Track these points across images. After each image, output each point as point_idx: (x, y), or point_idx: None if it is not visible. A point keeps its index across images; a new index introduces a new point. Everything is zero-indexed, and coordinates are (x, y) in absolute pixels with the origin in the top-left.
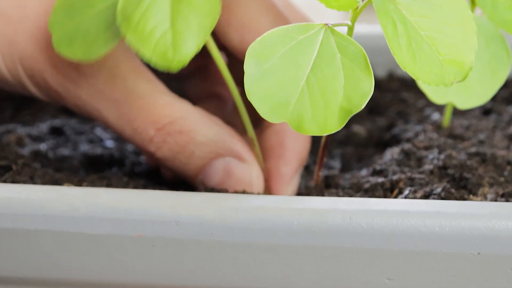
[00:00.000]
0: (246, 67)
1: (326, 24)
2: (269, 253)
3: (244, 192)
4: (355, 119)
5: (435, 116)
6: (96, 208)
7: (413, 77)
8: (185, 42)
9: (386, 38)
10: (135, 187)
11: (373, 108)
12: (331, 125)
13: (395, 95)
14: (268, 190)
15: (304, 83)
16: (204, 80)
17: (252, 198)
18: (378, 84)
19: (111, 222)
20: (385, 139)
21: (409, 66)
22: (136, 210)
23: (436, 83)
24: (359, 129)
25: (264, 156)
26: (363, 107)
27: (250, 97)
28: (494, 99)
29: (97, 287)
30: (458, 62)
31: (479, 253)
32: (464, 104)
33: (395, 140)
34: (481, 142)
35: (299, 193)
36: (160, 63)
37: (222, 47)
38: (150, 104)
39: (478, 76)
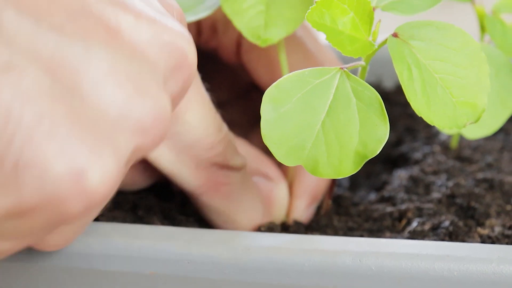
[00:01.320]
0: (263, 111)
1: (342, 68)
2: None
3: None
4: None
5: (443, 135)
6: (109, 245)
7: (428, 121)
8: (276, 27)
9: (401, 83)
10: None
11: None
12: (346, 169)
13: (404, 109)
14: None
15: (320, 128)
16: (245, 107)
17: (264, 238)
18: (387, 96)
19: (124, 259)
20: (394, 156)
21: (424, 111)
22: (149, 247)
23: (450, 126)
24: None
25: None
26: (378, 152)
27: (266, 141)
28: None
29: None
30: (471, 104)
31: None
32: (473, 134)
33: (403, 159)
34: (489, 166)
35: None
36: (249, 36)
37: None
38: None
39: (487, 105)
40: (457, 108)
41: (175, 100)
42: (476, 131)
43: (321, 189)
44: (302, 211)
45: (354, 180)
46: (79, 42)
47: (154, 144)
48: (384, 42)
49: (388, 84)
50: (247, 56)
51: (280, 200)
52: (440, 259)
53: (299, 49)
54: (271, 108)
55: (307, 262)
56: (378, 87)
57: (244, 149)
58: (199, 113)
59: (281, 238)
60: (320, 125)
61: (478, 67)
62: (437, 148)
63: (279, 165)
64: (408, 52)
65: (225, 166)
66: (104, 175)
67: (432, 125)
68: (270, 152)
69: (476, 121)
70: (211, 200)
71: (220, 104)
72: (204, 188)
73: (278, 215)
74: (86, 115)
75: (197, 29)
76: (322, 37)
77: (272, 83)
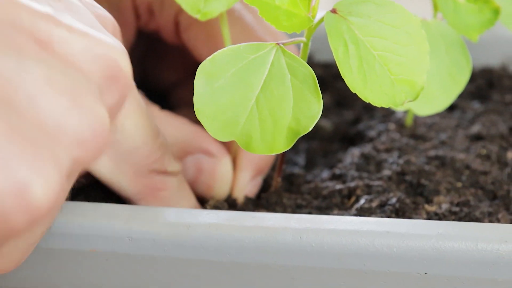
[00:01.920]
0: (196, 85)
1: (278, 44)
2: (221, 270)
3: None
4: (323, 112)
5: (400, 113)
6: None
7: (363, 98)
8: (216, 1)
9: (336, 59)
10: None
11: (340, 101)
12: (279, 145)
13: None
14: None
15: (254, 103)
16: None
17: (204, 215)
18: None
19: (65, 237)
20: (351, 135)
21: (359, 88)
22: (90, 225)
23: (387, 103)
24: (326, 123)
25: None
26: (310, 129)
27: (199, 116)
28: (459, 95)
29: None
30: (410, 82)
31: (426, 273)
32: (424, 111)
33: (360, 137)
34: (442, 143)
35: (259, 196)
36: (189, 9)
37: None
38: None
39: (438, 82)
40: (396, 86)
41: (113, 111)
42: (427, 108)
43: (265, 162)
44: (246, 184)
45: (311, 159)
46: (12, 56)
47: (94, 156)
48: (323, 18)
49: None
50: (186, 35)
51: (223, 176)
52: (380, 235)
53: (237, 23)
54: (205, 82)
55: (247, 239)
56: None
57: (185, 127)
58: (137, 121)
59: (222, 215)
60: (254, 101)
61: (418, 45)
62: (392, 126)
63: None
64: (346, 28)
65: (162, 172)
66: (46, 187)
67: (366, 101)
68: None
69: (415, 99)
70: (149, 205)
71: (172, 84)
72: (142, 195)
73: (223, 191)
74: (24, 129)
75: (135, 13)
76: None
77: None
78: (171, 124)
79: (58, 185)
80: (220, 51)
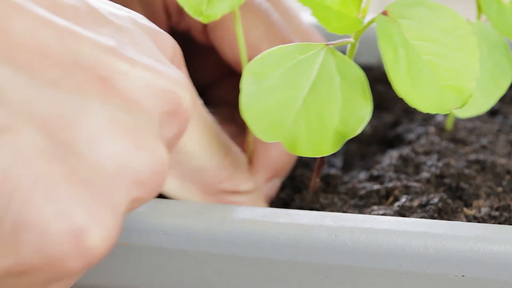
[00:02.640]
0: (243, 85)
1: (327, 44)
2: (253, 266)
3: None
4: None
5: (440, 117)
6: None
7: (410, 104)
8: (219, 1)
9: (385, 62)
10: None
11: (380, 103)
12: (326, 148)
13: None
14: None
15: (301, 104)
16: (232, 85)
17: (239, 210)
18: (387, 78)
19: None
20: (389, 138)
21: (407, 93)
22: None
23: (435, 110)
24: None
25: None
26: (359, 132)
27: (245, 116)
28: (502, 99)
29: None
30: (458, 89)
31: (463, 276)
32: (464, 113)
33: (399, 140)
34: (483, 148)
35: (297, 195)
36: (191, 12)
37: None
38: None
39: (479, 85)
40: (444, 92)
41: (171, 145)
42: (467, 110)
43: (283, 164)
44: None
45: (348, 161)
46: (74, 96)
47: (151, 195)
48: (374, 20)
49: None
50: (213, 34)
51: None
52: (416, 235)
53: (263, 22)
54: (252, 82)
55: (282, 236)
56: (379, 69)
57: None
58: (201, 142)
59: (256, 211)
60: (302, 102)
61: (468, 51)
62: (431, 129)
63: (237, 141)
64: (397, 32)
65: (233, 192)
66: (103, 232)
67: (413, 107)
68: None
69: (462, 106)
70: None
71: (207, 85)
72: None
73: None
74: (83, 172)
75: (166, 12)
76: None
77: (235, 60)
78: None
79: (114, 228)
80: (268, 50)
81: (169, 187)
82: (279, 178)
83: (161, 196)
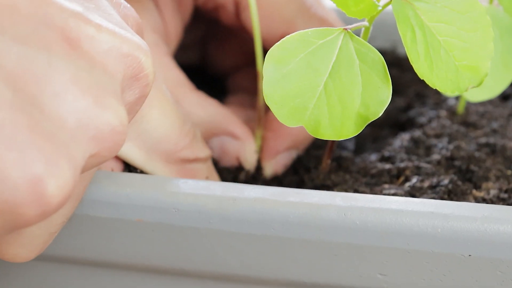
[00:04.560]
0: (265, 71)
1: (345, 29)
2: (264, 244)
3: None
4: None
5: (452, 101)
6: (99, 191)
7: (430, 85)
8: None
9: (405, 45)
10: None
11: (393, 87)
12: (348, 131)
13: (415, 75)
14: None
15: (322, 88)
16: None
17: (251, 189)
18: (400, 62)
19: (113, 206)
20: (401, 121)
21: (426, 74)
22: (137, 195)
23: (452, 90)
24: None
25: (265, 126)
26: (380, 114)
27: (268, 101)
28: None
29: (98, 265)
30: (474, 68)
31: (470, 255)
32: (475, 97)
33: (410, 123)
34: (494, 131)
35: (308, 175)
36: None
37: None
38: None
39: (491, 69)
40: (460, 72)
41: (132, 109)
42: (478, 94)
43: (303, 137)
44: (275, 153)
45: (360, 144)
46: (41, 53)
47: (110, 154)
48: (389, 3)
49: (402, 50)
50: (245, 14)
51: (246, 158)
52: (424, 215)
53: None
54: (273, 68)
55: (292, 214)
56: (392, 53)
57: (213, 108)
58: (163, 111)
59: (268, 190)
60: (323, 86)
61: (482, 31)
62: (443, 113)
63: (253, 125)
64: (413, 14)
65: (193, 160)
66: (60, 183)
67: (434, 88)
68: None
69: (479, 85)
70: None
71: (230, 69)
72: None
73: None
74: (46, 125)
75: None
76: None
77: (270, 37)
78: (200, 105)
79: (71, 181)
80: (288, 36)
81: (136, 158)
82: (296, 150)
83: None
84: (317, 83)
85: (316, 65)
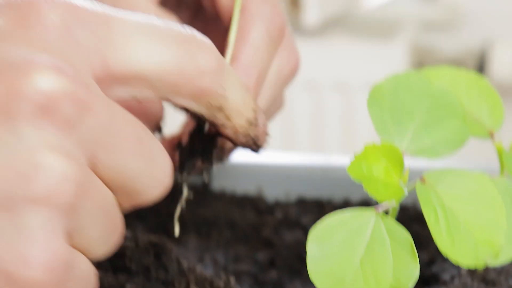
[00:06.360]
0: (309, 249)
1: (377, 211)
2: None
3: None
4: None
5: None
6: None
7: (452, 260)
8: None
9: (428, 224)
10: None
11: (415, 242)
12: None
13: None
14: None
15: (358, 264)
16: None
17: None
18: (420, 218)
19: None
20: (426, 275)
21: (449, 251)
22: None
23: (472, 264)
24: None
25: None
26: (410, 287)
27: (312, 276)
28: None
29: None
30: (490, 243)
31: None
32: (492, 263)
33: (434, 279)
34: None
35: None
36: None
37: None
38: None
39: (506, 236)
40: (478, 247)
41: None
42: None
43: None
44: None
45: None
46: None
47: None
48: (413, 186)
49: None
50: None
51: None
52: None
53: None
54: (316, 246)
55: None
56: (414, 208)
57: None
58: None
59: None
60: (359, 262)
61: (495, 210)
62: (464, 270)
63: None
64: (434, 196)
65: None
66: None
67: (455, 264)
68: None
69: (495, 258)
70: None
71: None
72: None
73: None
74: None
75: None
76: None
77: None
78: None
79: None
80: (328, 219)
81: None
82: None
83: None
84: (354, 259)
85: (353, 243)
